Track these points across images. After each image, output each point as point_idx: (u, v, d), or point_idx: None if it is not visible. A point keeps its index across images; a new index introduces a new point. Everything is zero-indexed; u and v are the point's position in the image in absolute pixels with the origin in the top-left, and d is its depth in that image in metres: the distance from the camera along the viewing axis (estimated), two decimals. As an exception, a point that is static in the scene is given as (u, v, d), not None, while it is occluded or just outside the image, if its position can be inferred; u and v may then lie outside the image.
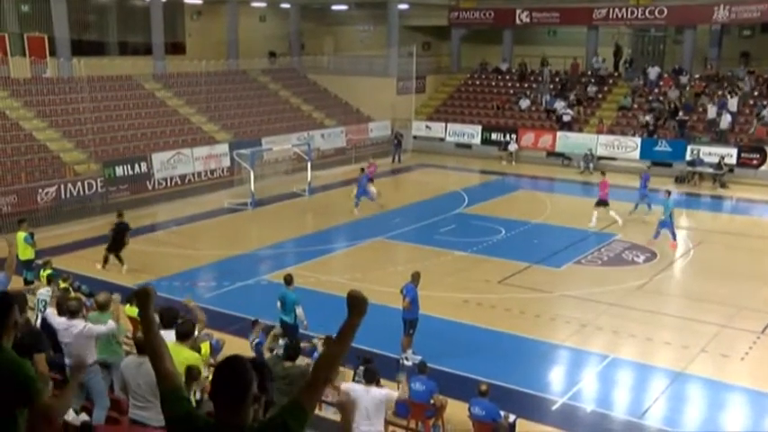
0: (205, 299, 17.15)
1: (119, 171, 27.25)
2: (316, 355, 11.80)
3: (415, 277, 14.01)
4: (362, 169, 26.96)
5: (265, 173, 29.73)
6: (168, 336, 8.67)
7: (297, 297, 13.62)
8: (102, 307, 10.05)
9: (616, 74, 39.85)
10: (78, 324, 9.19)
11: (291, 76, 41.78)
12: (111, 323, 9.69)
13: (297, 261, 20.23)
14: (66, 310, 9.44)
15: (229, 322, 15.52)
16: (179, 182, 29.26)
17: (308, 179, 28.72)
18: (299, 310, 13.44)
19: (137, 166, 27.86)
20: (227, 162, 30.70)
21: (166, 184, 28.84)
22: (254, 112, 36.11)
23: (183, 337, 8.05)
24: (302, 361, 10.89)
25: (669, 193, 22.46)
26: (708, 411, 12.55)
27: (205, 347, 9.99)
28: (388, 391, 9.28)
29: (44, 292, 12.50)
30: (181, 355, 7.87)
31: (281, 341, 12.09)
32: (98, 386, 8.92)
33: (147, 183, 28.15)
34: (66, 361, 9.05)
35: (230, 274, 18.95)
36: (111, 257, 19.22)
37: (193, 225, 24.42)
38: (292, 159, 31.72)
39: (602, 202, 23.39)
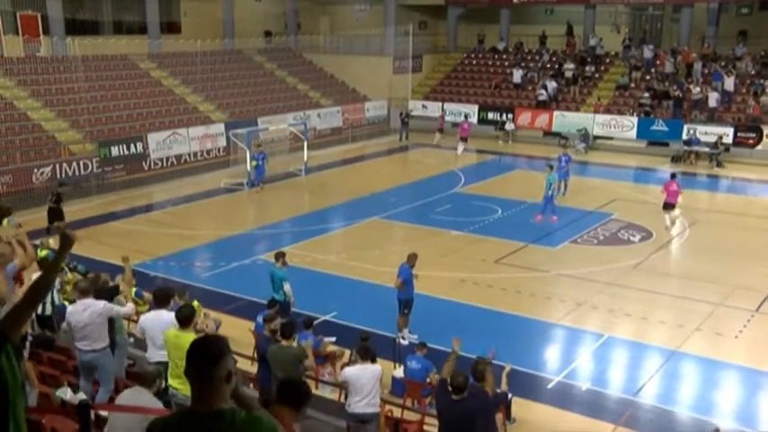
0: (202, 278, 17.22)
1: (114, 151, 27.17)
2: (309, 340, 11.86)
3: (411, 258, 13.99)
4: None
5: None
6: (161, 316, 8.69)
7: (285, 274, 13.62)
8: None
9: (613, 53, 39.70)
10: (97, 303, 8.77)
11: (287, 55, 41.56)
12: (130, 305, 9.65)
13: (293, 241, 20.25)
14: (78, 290, 9.16)
15: (226, 302, 15.57)
16: (175, 162, 29.19)
17: (305, 159, 28.67)
18: (287, 287, 13.45)
19: (132, 146, 27.77)
20: (222, 142, 30.63)
21: (162, 164, 28.78)
22: (250, 91, 35.96)
23: (185, 322, 7.95)
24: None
25: (552, 167, 22.49)
26: (702, 389, 12.65)
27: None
28: (377, 369, 9.32)
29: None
30: (183, 341, 7.78)
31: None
32: (108, 368, 8.79)
33: (143, 163, 28.08)
34: (80, 345, 8.73)
35: (227, 254, 18.97)
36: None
37: (190, 205, 24.40)
38: (289, 139, 31.66)
39: (669, 206, 21.20)
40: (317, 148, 32.24)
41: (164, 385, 6.92)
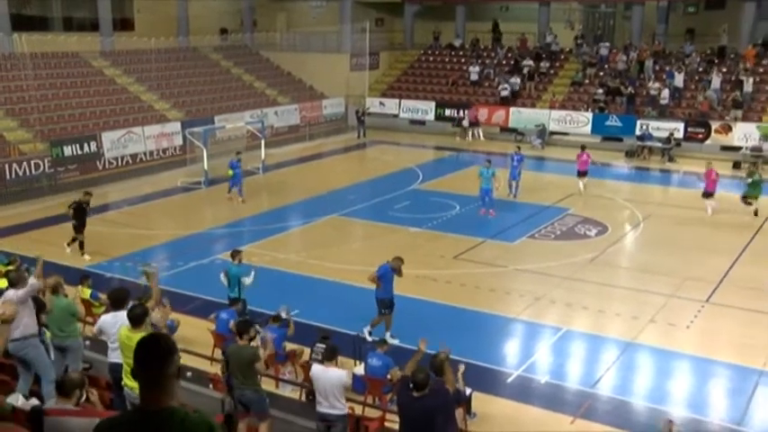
0: (159, 279, 16.97)
1: (67, 151, 26.65)
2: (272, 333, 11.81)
3: (394, 260, 13.89)
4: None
5: (219, 151, 29.40)
6: (119, 318, 8.57)
7: (240, 271, 13.61)
8: (54, 290, 9.91)
9: (568, 49, 40.24)
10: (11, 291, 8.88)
11: (244, 53, 41.23)
12: (32, 279, 9.41)
13: (252, 239, 20.12)
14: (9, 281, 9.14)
15: (184, 302, 15.39)
16: (130, 161, 28.76)
17: (262, 157, 28.50)
18: (247, 279, 13.49)
19: (86, 145, 27.27)
20: (179, 141, 30.27)
21: (117, 163, 28.33)
22: (207, 89, 35.58)
23: (137, 321, 7.86)
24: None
25: (490, 162, 22.88)
26: (656, 379, 12.92)
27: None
28: (344, 373, 9.28)
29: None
30: (136, 341, 7.74)
31: (318, 344, 11.90)
32: (41, 358, 8.71)
33: (98, 162, 27.60)
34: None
35: (184, 254, 18.78)
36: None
37: (146, 204, 24.08)
38: (246, 137, 31.41)
39: (709, 194, 22.33)
40: (275, 146, 32.07)
41: (84, 397, 6.82)
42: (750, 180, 22.56)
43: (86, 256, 18.28)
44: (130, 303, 8.81)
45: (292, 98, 37.93)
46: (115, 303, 8.88)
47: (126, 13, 39.64)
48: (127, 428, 3.29)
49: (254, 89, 37.86)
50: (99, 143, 27.66)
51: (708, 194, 22.68)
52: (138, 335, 7.68)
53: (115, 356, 8.64)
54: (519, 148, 25.83)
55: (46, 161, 25.71)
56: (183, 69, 36.36)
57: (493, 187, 22.35)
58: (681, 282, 16.96)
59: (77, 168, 26.81)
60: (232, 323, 11.52)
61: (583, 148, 25.38)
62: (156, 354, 3.32)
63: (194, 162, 27.96)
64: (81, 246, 18.48)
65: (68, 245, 18.59)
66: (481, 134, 35.56)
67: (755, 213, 22.25)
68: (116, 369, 8.39)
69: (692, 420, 11.23)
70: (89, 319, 13.48)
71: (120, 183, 26.61)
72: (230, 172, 24.01)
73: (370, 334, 13.76)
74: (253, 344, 9.57)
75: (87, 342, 11.41)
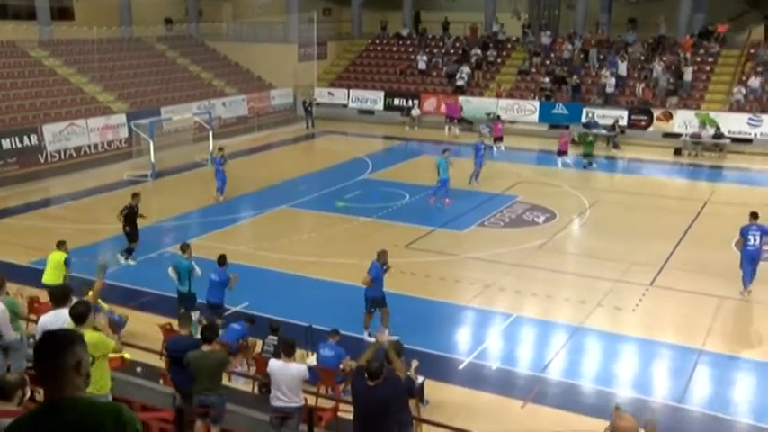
0: (107, 274, 16.65)
1: (5, 144, 25.89)
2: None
3: (382, 255, 13.64)
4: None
5: (166, 143, 28.96)
6: (61, 315, 8.35)
7: (190, 264, 13.49)
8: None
9: (515, 38, 40.64)
10: None
11: (189, 43, 40.59)
12: None
13: (201, 232, 19.89)
14: None
15: (132, 297, 15.17)
16: (74, 154, 28.09)
17: (210, 148, 28.15)
18: (197, 271, 13.37)
19: (26, 138, 26.54)
20: (124, 133, 29.70)
21: (60, 156, 27.64)
22: (152, 81, 34.93)
23: (80, 318, 7.63)
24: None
25: (446, 151, 23.08)
26: (604, 362, 13.23)
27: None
28: (304, 368, 9.26)
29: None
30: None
31: (270, 336, 11.77)
32: None
33: (39, 156, 26.89)
34: None
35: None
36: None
37: (92, 199, 23.57)
38: (193, 129, 30.97)
39: (497, 139, 23.95)
40: (223, 137, 31.69)
41: (28, 396, 6.66)
42: (585, 142, 28.73)
43: (131, 261, 17.31)
44: (73, 300, 8.62)
45: (240, 89, 37.51)
46: (58, 300, 8.64)
47: (65, 2, 38.55)
48: (33, 422, 3.26)
49: (201, 80, 37.32)
50: (40, 136, 26.94)
51: (497, 140, 30.17)
52: (84, 332, 7.52)
53: None
54: (481, 136, 26.18)
55: (-17, 155, 24.96)
56: (126, 60, 35.61)
57: (449, 177, 22.43)
58: (626, 266, 17.36)
59: (17, 162, 26.07)
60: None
61: (498, 117, 32.05)
62: (54, 346, 3.32)
63: (141, 155, 27.47)
64: (130, 252, 17.50)
65: (122, 254, 17.55)
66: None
67: (590, 164, 27.94)
68: None
69: (636, 400, 11.52)
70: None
71: (63, 177, 25.98)
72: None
73: (370, 335, 13.35)
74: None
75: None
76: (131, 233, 17.47)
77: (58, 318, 8.33)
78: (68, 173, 26.36)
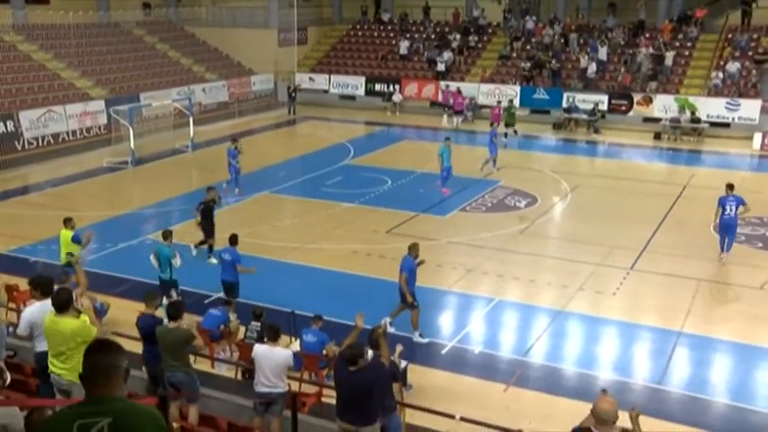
0: (87, 261, 16.54)
1: (-19, 131, 25.56)
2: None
3: (414, 249, 13.17)
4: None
5: (145, 129, 28.72)
6: (47, 306, 8.29)
7: (171, 252, 13.45)
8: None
9: (496, 23, 40.60)
10: None
11: (168, 28, 40.14)
12: None
13: (182, 219, 19.74)
14: None
15: (114, 284, 15.08)
16: (52, 141, 27.77)
17: (191, 135, 27.95)
18: (177, 261, 13.33)
19: (2, 124, 26.17)
20: (103, 119, 29.38)
21: (38, 143, 27.31)
22: (131, 66, 34.54)
23: (61, 307, 7.64)
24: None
25: (448, 139, 22.97)
26: (586, 345, 13.35)
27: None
28: (290, 353, 9.29)
29: None
30: (63, 326, 7.52)
31: (253, 322, 11.69)
32: None
33: (16, 143, 26.53)
34: None
35: (113, 235, 18.31)
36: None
37: (71, 186, 23.34)
38: (173, 115, 30.71)
39: (458, 112, 23.90)
40: (204, 123, 31.49)
41: (8, 381, 6.63)
42: (507, 112, 29.56)
43: (213, 260, 16.19)
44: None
45: (220, 74, 37.22)
46: (44, 291, 8.57)
47: (40, -14, 37.92)
48: (77, 414, 3.36)
49: (181, 65, 36.97)
50: (16, 122, 26.57)
51: (457, 113, 32.12)
52: (64, 320, 7.51)
53: (42, 345, 8.39)
54: (492, 124, 25.95)
55: (-41, 142, 24.62)
56: (104, 45, 35.15)
57: (452, 165, 22.16)
58: (608, 250, 17.49)
59: (-6, 149, 25.76)
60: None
61: (459, 90, 33.85)
62: (109, 346, 3.56)
63: (120, 141, 27.22)
64: (210, 249, 16.70)
65: (196, 246, 16.95)
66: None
67: (515, 132, 29.54)
68: (42, 358, 8.15)
69: (617, 382, 11.65)
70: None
71: (41, 163, 25.70)
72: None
73: (421, 336, 13.03)
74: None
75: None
76: (207, 229, 16.69)
77: (45, 308, 8.26)
78: (46, 160, 26.08)
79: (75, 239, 13.84)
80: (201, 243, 16.90)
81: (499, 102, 31.87)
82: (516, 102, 34.80)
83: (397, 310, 13.24)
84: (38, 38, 33.04)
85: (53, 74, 31.39)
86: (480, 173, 24.20)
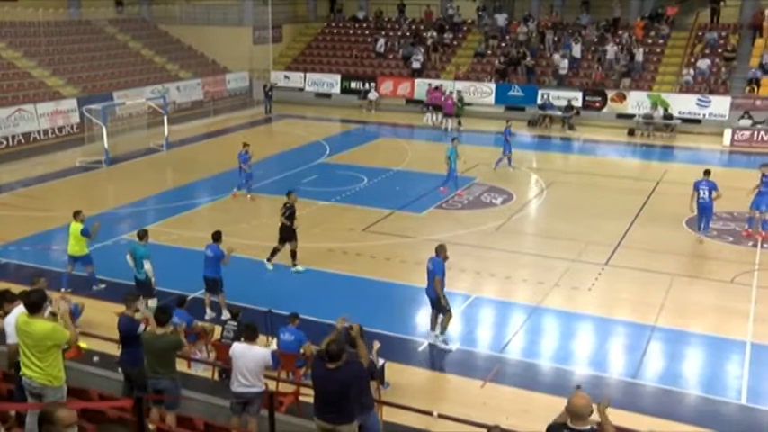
0: (60, 262, 16.38)
1: (-50, 131, 25.19)
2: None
3: (440, 250, 12.79)
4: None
5: (119, 129, 28.44)
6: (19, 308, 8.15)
7: (147, 251, 13.34)
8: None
9: (470, 21, 40.70)
10: None
11: (141, 26, 39.80)
12: None
13: (157, 218, 19.63)
14: None
15: (89, 285, 14.92)
16: (23, 140, 27.45)
17: (165, 134, 27.73)
18: (147, 265, 13.23)
19: (-29, 124, 25.84)
20: (76, 118, 29.08)
21: (8, 143, 26.98)
22: (104, 65, 34.20)
23: (35, 308, 7.49)
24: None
25: (455, 140, 22.84)
26: (561, 340, 13.45)
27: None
28: (268, 351, 9.25)
29: None
30: (34, 328, 7.37)
31: (230, 322, 11.62)
32: None
33: (-14, 142, 26.21)
34: None
35: (86, 236, 18.08)
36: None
37: (43, 186, 23.06)
38: (147, 114, 30.45)
39: (446, 114, 24.04)
40: (178, 122, 31.26)
41: None
42: (460, 105, 32.14)
43: (300, 267, 16.00)
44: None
45: (195, 73, 36.98)
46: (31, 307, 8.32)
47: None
48: None
49: (155, 64, 36.66)
50: (-14, 122, 26.25)
51: (443, 112, 32.08)
52: (36, 322, 7.38)
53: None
54: (508, 121, 25.74)
55: (-72, 142, 24.21)
56: (76, 44, 34.77)
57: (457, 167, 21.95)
58: (582, 246, 17.64)
59: (-36, 149, 25.39)
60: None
61: (436, 88, 34.10)
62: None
63: (93, 141, 26.94)
64: (293, 255, 16.09)
65: (269, 260, 16.33)
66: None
67: (459, 123, 31.77)
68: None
69: (593, 377, 11.76)
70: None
71: (12, 163, 25.36)
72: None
73: (445, 343, 12.86)
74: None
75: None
76: (291, 233, 16.04)
77: (21, 310, 8.07)
78: (18, 159, 25.76)
79: (85, 233, 14.37)
80: (273, 254, 16.21)
81: (451, 92, 33.44)
82: (491, 99, 35.04)
83: (445, 320, 12.78)
84: (6, 35, 32.60)
85: (23, 72, 30.99)
86: (493, 171, 24.31)
